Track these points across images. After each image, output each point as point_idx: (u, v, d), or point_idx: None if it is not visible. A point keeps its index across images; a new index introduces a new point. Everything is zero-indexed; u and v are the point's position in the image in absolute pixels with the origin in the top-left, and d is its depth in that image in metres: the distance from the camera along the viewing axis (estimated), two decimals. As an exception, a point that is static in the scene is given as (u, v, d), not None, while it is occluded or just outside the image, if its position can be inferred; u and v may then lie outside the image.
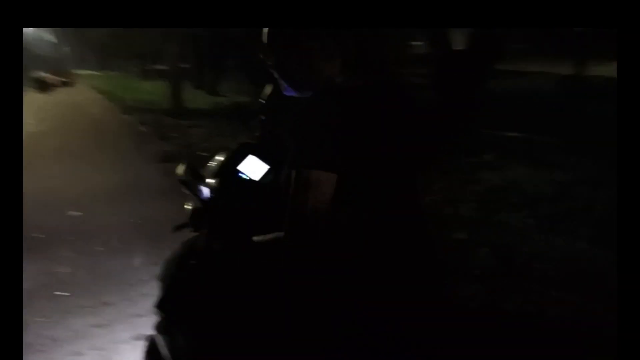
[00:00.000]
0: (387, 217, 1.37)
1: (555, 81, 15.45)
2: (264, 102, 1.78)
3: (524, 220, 4.55)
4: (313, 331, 1.36)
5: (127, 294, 3.45)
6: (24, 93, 26.99)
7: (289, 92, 1.48)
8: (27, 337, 2.82)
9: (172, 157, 7.81)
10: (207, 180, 1.66)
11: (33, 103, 20.37)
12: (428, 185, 5.21)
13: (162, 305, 1.70)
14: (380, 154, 1.34)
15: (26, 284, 2.47)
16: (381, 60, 1.62)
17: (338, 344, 1.32)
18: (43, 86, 31.09)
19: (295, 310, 1.38)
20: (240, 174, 1.62)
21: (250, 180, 1.60)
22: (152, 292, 1.85)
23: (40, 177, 6.65)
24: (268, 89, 1.80)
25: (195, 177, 1.67)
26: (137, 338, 2.74)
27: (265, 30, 1.48)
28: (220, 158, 1.74)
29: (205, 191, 1.63)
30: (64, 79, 35.49)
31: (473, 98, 8.41)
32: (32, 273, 3.59)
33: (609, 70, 10.17)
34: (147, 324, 1.99)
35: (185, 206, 1.71)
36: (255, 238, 1.39)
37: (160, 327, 1.75)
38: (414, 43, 19.09)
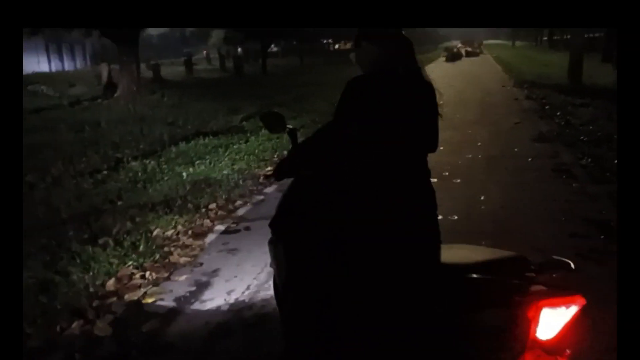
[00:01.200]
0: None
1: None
2: None
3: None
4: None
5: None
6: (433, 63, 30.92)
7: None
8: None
9: (546, 139, 7.88)
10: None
11: (439, 70, 23.49)
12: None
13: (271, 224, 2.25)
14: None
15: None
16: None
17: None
18: (451, 56, 34.79)
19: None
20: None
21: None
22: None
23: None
24: None
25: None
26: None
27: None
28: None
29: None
30: (470, 49, 39.22)
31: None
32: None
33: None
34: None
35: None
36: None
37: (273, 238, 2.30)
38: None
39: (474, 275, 1.78)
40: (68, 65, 34.12)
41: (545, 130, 8.61)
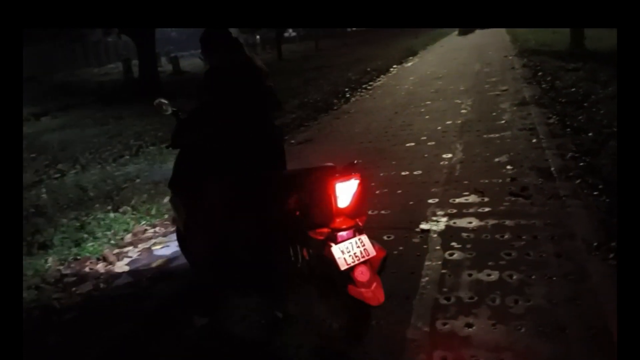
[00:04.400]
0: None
1: None
2: None
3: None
4: None
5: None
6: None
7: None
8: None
9: (525, 102, 8.45)
10: None
11: (448, 45, 24.70)
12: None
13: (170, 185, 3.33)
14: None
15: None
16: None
17: None
18: (464, 30, 32.35)
19: None
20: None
21: None
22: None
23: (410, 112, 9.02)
24: None
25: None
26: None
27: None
28: None
29: None
30: None
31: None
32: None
33: None
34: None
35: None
36: None
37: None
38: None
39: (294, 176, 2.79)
40: (92, 64, 35.51)
41: (528, 95, 9.12)
